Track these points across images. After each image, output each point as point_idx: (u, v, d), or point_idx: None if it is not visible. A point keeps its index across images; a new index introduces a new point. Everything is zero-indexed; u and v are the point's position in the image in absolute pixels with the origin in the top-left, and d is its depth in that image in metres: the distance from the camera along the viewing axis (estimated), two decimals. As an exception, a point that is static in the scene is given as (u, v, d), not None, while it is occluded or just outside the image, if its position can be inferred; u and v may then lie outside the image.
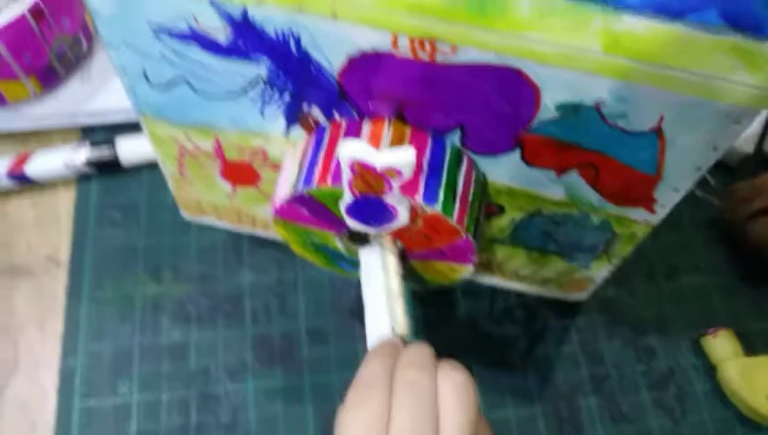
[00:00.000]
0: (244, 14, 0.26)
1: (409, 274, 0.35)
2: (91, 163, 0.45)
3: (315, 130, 0.32)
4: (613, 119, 0.27)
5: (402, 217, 0.30)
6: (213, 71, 0.30)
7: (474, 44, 0.25)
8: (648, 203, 0.32)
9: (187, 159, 0.37)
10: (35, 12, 0.43)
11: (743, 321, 0.44)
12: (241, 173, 0.37)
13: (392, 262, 0.32)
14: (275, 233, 0.42)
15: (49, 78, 0.47)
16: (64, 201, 0.46)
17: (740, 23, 0.22)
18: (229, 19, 0.26)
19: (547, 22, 0.23)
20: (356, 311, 0.43)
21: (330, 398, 0.40)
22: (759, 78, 0.24)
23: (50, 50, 0.45)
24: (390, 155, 0.26)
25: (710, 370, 0.42)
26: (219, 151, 0.36)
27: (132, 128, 0.47)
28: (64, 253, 0.44)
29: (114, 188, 0.46)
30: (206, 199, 0.41)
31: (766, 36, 0.22)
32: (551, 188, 0.32)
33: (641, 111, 0.26)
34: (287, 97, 0.30)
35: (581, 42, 0.24)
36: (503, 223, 0.36)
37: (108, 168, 0.46)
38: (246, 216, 0.42)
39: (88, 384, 0.40)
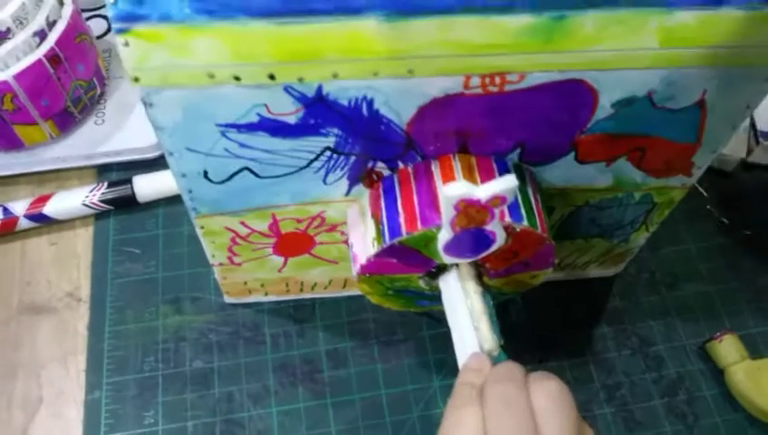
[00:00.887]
0: (319, 91, 0.26)
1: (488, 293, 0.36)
2: (108, 201, 0.47)
3: (381, 182, 0.32)
4: (662, 102, 0.29)
5: (500, 240, 0.31)
6: (278, 154, 0.30)
7: (541, 68, 0.26)
8: (686, 169, 0.35)
9: (239, 246, 0.37)
10: (52, 59, 0.44)
11: (746, 325, 0.45)
12: (295, 244, 0.37)
13: (471, 284, 0.33)
14: (326, 292, 0.43)
15: (65, 121, 0.48)
16: (82, 238, 0.47)
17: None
18: (302, 99, 0.27)
19: (609, 32, 0.25)
20: (373, 332, 0.44)
21: (353, 418, 0.41)
22: None
23: (66, 95, 0.47)
24: (494, 185, 0.27)
25: (717, 374, 0.43)
26: (275, 228, 0.35)
27: (145, 165, 0.49)
28: (84, 289, 0.45)
29: (131, 224, 0.47)
30: (253, 278, 0.41)
31: None
32: (599, 178, 0.34)
33: (687, 89, 0.29)
34: (352, 159, 0.31)
35: (640, 43, 0.26)
36: (552, 222, 0.38)
37: (125, 204, 0.47)
38: (295, 283, 0.42)
39: (113, 417, 0.40)
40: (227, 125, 0.28)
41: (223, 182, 0.31)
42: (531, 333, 0.45)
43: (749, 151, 0.50)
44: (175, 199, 0.48)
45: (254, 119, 0.27)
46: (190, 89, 0.26)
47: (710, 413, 0.42)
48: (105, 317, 0.44)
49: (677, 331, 0.45)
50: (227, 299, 0.44)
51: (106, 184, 0.47)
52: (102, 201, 0.47)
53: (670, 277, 0.47)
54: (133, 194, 0.47)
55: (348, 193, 0.33)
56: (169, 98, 0.26)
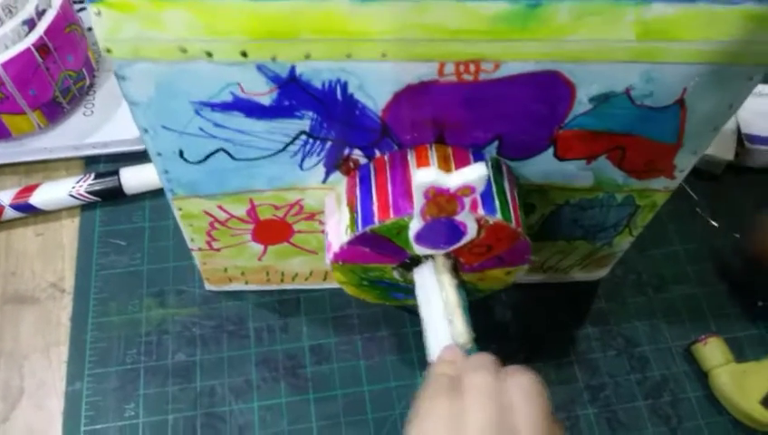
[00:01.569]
0: (292, 71, 0.26)
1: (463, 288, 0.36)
2: (95, 193, 0.47)
3: (357, 170, 0.32)
4: (641, 100, 0.29)
5: (471, 232, 0.31)
6: (253, 135, 0.30)
7: (516, 57, 0.26)
8: (668, 171, 0.34)
9: (218, 231, 0.37)
10: (41, 48, 0.44)
11: (732, 328, 0.45)
12: (273, 231, 0.37)
13: (447, 277, 0.33)
14: (307, 283, 0.43)
15: (53, 112, 0.48)
16: (68, 229, 0.47)
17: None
18: (275, 79, 0.27)
19: (584, 22, 0.25)
20: (356, 327, 0.44)
21: (334, 414, 0.41)
22: None
23: (55, 85, 0.47)
24: (463, 174, 0.27)
25: (702, 377, 0.43)
26: (253, 214, 0.36)
27: (133, 157, 0.49)
28: (69, 280, 0.45)
29: (117, 216, 0.48)
30: (233, 265, 0.41)
31: None
32: (580, 177, 0.34)
33: (666, 87, 0.29)
34: (328, 145, 0.31)
35: (617, 34, 0.26)
36: (532, 221, 0.38)
37: (111, 196, 0.47)
38: (275, 273, 0.42)
39: (94, 408, 0.40)
40: (201, 103, 0.28)
41: (199, 163, 0.31)
42: (516, 333, 0.45)
43: (736, 154, 0.50)
44: (162, 192, 0.47)
45: (228, 98, 0.28)
46: (162, 63, 0.26)
47: (694, 416, 0.42)
48: (89, 309, 0.44)
49: (663, 333, 0.45)
50: (208, 286, 0.44)
51: (93, 175, 0.47)
52: (89, 192, 0.47)
53: (657, 279, 0.47)
54: (120, 186, 0.47)
55: (325, 180, 0.33)
56: (141, 71, 0.26)
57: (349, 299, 0.44)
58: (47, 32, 0.44)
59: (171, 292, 0.45)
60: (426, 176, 0.27)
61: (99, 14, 0.24)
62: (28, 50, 0.44)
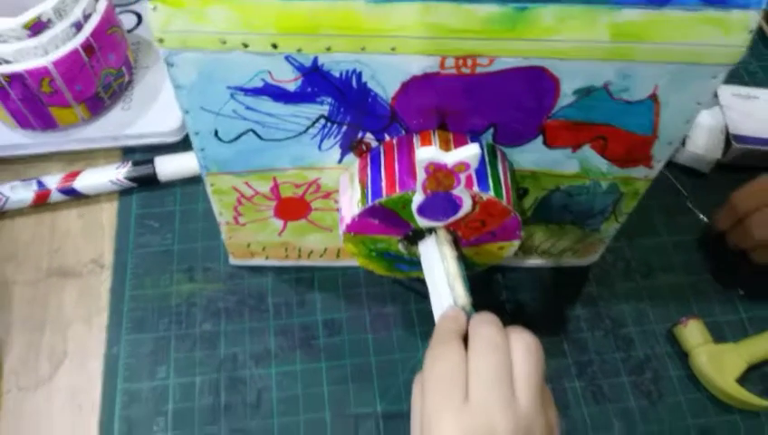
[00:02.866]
0: (314, 62, 0.31)
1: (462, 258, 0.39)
2: (132, 179, 0.51)
3: (369, 152, 0.36)
4: (618, 94, 0.33)
5: (466, 206, 0.35)
6: (279, 118, 0.34)
7: (507, 53, 0.30)
8: (647, 161, 0.38)
9: (244, 206, 0.41)
10: (87, 48, 0.49)
11: (712, 313, 0.48)
12: (293, 208, 0.42)
13: (448, 248, 0.37)
14: (321, 260, 0.47)
15: (96, 105, 0.53)
16: (107, 212, 0.52)
17: (711, 0, 0.28)
18: (300, 69, 0.31)
19: (565, 24, 0.29)
20: (365, 304, 0.48)
21: (343, 380, 0.45)
22: (730, 38, 0.30)
23: (98, 81, 0.51)
24: (459, 152, 0.31)
25: (683, 357, 0.46)
26: (275, 191, 0.40)
27: (166, 148, 0.53)
28: (108, 257, 0.50)
29: (152, 200, 0.52)
30: (255, 240, 0.45)
31: (729, 6, 0.29)
32: (567, 164, 0.38)
33: (640, 83, 0.32)
34: (344, 128, 0.35)
35: (593, 35, 0.29)
36: (527, 204, 0.42)
37: (146, 182, 0.52)
38: (293, 249, 0.46)
39: (130, 370, 0.45)
40: (236, 88, 0.32)
41: (231, 142, 0.36)
42: (511, 311, 0.48)
43: (724, 153, 0.53)
44: (192, 180, 0.53)
45: (259, 84, 0.32)
46: (205, 52, 0.30)
47: (674, 392, 0.46)
48: (125, 282, 0.48)
49: (648, 316, 0.48)
50: (232, 261, 0.49)
51: (130, 163, 0.52)
52: (127, 178, 0.51)
53: (645, 267, 0.51)
54: (155, 173, 0.52)
55: (340, 161, 0.37)
56: (187, 59, 0.30)
57: (359, 278, 0.48)
58: (93, 33, 0.49)
59: (199, 269, 0.49)
60: (426, 152, 0.31)
61: (155, 8, 0.28)
62: (76, 50, 0.48)
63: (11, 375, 0.44)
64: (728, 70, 0.32)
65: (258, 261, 0.48)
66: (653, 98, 0.33)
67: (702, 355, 0.45)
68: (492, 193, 0.35)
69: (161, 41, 0.30)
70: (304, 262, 0.48)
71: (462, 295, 0.35)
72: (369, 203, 0.35)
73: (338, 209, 0.40)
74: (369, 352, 0.46)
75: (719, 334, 0.47)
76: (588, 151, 0.37)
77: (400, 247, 0.39)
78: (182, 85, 0.32)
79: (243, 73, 0.31)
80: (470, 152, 0.31)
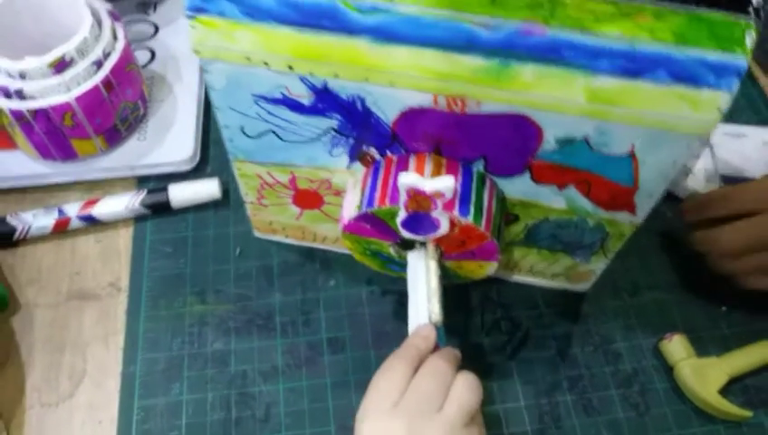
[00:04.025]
0: (324, 84, 0.34)
1: (445, 273, 0.43)
2: (146, 206, 0.54)
3: (372, 164, 0.40)
4: (598, 147, 0.34)
5: (444, 227, 0.39)
6: (296, 124, 0.38)
7: (493, 100, 0.33)
8: (630, 208, 0.39)
9: (266, 190, 0.46)
10: (107, 84, 0.52)
11: (696, 329, 0.50)
12: (308, 199, 0.46)
13: (433, 265, 0.40)
14: (334, 245, 0.51)
15: (113, 137, 0.55)
16: (124, 238, 0.54)
17: (681, 78, 0.30)
18: (313, 88, 0.35)
19: (544, 82, 0.31)
20: (368, 323, 0.50)
21: (347, 396, 0.46)
22: (699, 114, 0.31)
23: (116, 114, 0.54)
24: (436, 182, 0.35)
25: (668, 370, 0.48)
26: (293, 183, 0.44)
27: (179, 177, 0.56)
28: (124, 280, 0.52)
29: (165, 226, 0.54)
30: (276, 220, 0.50)
31: (700, 85, 0.30)
32: (554, 199, 0.40)
33: (617, 141, 0.33)
34: (351, 141, 0.39)
35: (570, 95, 0.31)
36: (518, 229, 0.44)
37: (160, 209, 0.55)
38: (309, 233, 0.50)
39: (146, 387, 0.47)
40: (259, 96, 0.36)
41: (255, 138, 0.40)
42: (506, 328, 0.50)
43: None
44: (203, 206, 0.56)
45: (279, 96, 0.36)
46: (233, 65, 0.34)
47: (660, 404, 0.47)
48: (141, 304, 0.50)
49: (635, 332, 0.50)
50: (256, 234, 0.52)
51: (145, 191, 0.55)
52: (142, 205, 0.54)
53: (632, 286, 0.53)
54: (168, 200, 0.54)
55: (348, 166, 0.41)
56: (219, 68, 0.35)
57: (362, 299, 0.51)
58: (112, 70, 0.51)
59: (210, 291, 0.51)
60: (407, 178, 0.35)
61: (194, 27, 0.33)
62: (96, 86, 0.51)
63: (34, 392, 0.47)
64: (704, 138, 0.33)
65: (278, 237, 0.52)
66: (631, 155, 0.34)
67: (686, 368, 0.47)
68: (470, 219, 0.37)
69: (197, 52, 0.34)
70: (319, 245, 0.52)
71: (436, 312, 0.38)
72: (363, 210, 0.39)
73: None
74: (371, 369, 0.48)
75: (702, 349, 0.49)
76: (573, 192, 0.39)
77: (391, 251, 0.43)
78: (214, 88, 0.36)
79: (264, 85, 0.35)
80: (445, 184, 0.35)
